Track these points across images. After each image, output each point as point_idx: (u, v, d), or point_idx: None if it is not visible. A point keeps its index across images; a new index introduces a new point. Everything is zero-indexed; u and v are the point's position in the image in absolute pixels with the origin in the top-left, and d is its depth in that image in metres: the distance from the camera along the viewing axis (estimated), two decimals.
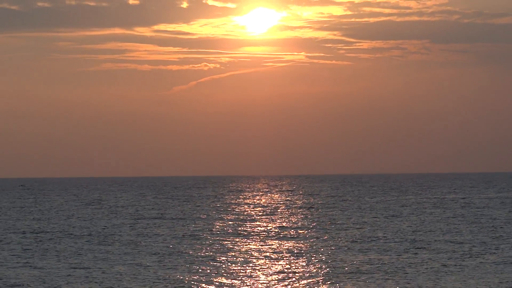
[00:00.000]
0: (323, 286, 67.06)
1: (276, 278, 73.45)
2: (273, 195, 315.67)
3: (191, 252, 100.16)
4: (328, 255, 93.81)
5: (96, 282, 72.15)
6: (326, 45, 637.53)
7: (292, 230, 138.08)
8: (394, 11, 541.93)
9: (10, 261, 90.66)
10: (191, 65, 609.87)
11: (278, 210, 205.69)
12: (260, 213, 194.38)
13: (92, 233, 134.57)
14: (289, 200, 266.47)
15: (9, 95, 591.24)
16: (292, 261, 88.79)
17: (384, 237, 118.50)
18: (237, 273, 78.82)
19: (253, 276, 76.06)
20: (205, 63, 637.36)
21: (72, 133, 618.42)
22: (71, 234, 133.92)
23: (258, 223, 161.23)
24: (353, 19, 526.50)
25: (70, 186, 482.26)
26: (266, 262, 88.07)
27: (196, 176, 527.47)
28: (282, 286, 67.76)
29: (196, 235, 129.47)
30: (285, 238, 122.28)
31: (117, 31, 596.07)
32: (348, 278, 71.95)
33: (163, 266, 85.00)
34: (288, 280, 71.42)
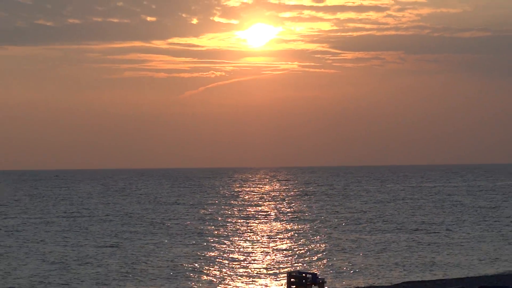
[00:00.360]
0: (321, 261, 67.62)
1: (280, 254, 74.42)
2: (272, 184, 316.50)
3: (206, 232, 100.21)
4: (324, 234, 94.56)
5: (125, 257, 73.46)
6: (316, 55, 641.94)
7: (292, 214, 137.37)
8: (374, 26, 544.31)
9: (50, 239, 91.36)
10: (200, 73, 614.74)
11: (279, 196, 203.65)
12: (263, 199, 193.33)
13: (121, 216, 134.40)
14: (287, 188, 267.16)
15: (46, 98, 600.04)
16: (293, 239, 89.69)
17: (371, 219, 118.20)
18: (246, 249, 79.66)
19: (261, 252, 77.04)
20: (212, 71, 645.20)
21: (99, 130, 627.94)
22: (102, 216, 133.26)
23: (261, 207, 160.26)
24: (339, 34, 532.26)
25: (98, 176, 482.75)
26: (271, 240, 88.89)
27: (205, 168, 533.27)
28: (286, 260, 68.39)
29: (210, 217, 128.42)
30: (286, 220, 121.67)
31: (137, 44, 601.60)
32: (342, 253, 73.19)
33: (183, 244, 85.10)
34: (291, 255, 72.60)
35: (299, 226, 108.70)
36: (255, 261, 69.79)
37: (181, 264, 68.40)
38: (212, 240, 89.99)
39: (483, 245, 79.96)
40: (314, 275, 43.49)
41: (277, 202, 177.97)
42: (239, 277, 59.93)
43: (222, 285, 56.15)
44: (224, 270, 64.54)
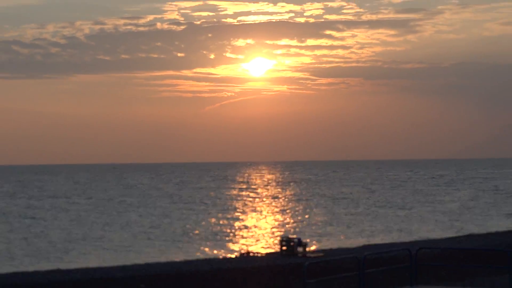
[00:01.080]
0: (306, 228, 67.89)
1: (275, 224, 74.79)
2: (270, 173, 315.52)
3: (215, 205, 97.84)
4: (310, 209, 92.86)
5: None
6: (300, 81, 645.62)
7: (284, 194, 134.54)
8: (341, 60, 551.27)
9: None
10: (216, 93, 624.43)
11: (278, 183, 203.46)
12: (263, 185, 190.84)
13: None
14: (283, 177, 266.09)
15: (105, 112, 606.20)
16: (284, 213, 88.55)
17: (347, 198, 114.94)
18: (250, 221, 78.92)
19: (260, 223, 77.36)
20: (225, 92, 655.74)
21: (144, 133, 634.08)
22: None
23: (261, 190, 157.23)
24: (316, 65, 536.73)
25: (146, 167, 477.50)
26: (268, 214, 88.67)
27: (220, 162, 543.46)
28: (279, 228, 68.51)
29: (220, 196, 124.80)
30: (280, 199, 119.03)
31: (170, 72, 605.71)
32: (323, 224, 73.34)
33: (201, 215, 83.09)
34: (283, 225, 72.65)
35: (290, 204, 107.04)
36: (256, 229, 70.51)
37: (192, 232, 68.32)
38: (220, 213, 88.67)
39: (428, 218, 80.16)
40: (299, 239, 44.94)
41: (276, 187, 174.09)
42: (243, 240, 60.57)
43: (228, 247, 56.31)
44: (230, 235, 65.04)
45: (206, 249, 55.46)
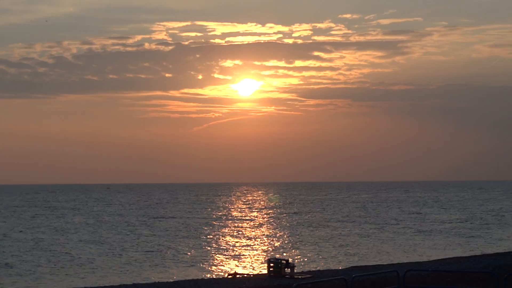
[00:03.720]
0: (293, 250, 67.83)
1: (263, 246, 74.28)
2: (255, 194, 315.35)
3: (203, 228, 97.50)
4: (296, 230, 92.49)
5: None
6: (287, 102, 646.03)
7: (270, 215, 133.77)
8: (329, 81, 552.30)
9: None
10: (204, 114, 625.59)
11: (264, 204, 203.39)
12: (250, 206, 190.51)
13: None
14: (264, 198, 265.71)
15: (93, 132, 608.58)
16: (273, 235, 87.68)
17: (336, 217, 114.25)
18: (237, 243, 78.41)
19: (248, 245, 76.16)
20: (213, 113, 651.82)
21: (132, 154, 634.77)
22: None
23: (248, 212, 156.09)
24: (304, 86, 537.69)
25: (134, 187, 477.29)
26: (256, 236, 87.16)
27: (208, 183, 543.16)
28: (268, 250, 68.43)
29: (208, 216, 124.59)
30: (267, 220, 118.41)
31: (158, 93, 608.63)
32: (309, 244, 72.83)
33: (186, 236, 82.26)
34: (271, 247, 72.30)
35: (277, 226, 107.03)
36: (245, 250, 69.96)
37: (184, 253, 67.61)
38: (208, 235, 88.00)
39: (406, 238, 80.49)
40: (287, 261, 45.04)
41: (261, 208, 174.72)
42: (231, 261, 60.36)
43: (214, 269, 56.21)
44: (217, 257, 64.64)
45: (192, 270, 55.19)
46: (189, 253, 68.00)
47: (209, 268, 57.01)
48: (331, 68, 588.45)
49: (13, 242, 79.81)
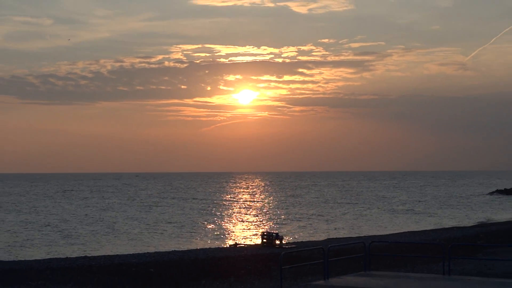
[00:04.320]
0: (282, 225, 67.02)
1: (258, 222, 73.42)
2: (254, 181, 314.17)
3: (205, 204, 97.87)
4: (285, 209, 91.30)
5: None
6: (278, 108, 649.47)
7: (270, 197, 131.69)
8: (311, 92, 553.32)
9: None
10: (212, 118, 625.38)
11: (261, 188, 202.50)
12: (249, 189, 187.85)
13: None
14: (265, 183, 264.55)
15: (122, 132, 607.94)
16: (265, 213, 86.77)
17: (319, 199, 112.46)
18: (236, 220, 78.47)
19: (245, 221, 75.88)
20: (219, 117, 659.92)
21: (153, 150, 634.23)
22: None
23: (246, 194, 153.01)
24: (291, 96, 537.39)
25: (160, 176, 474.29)
26: (252, 214, 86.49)
27: (215, 172, 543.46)
28: (261, 225, 67.62)
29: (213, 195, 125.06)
30: (261, 201, 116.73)
31: (175, 101, 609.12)
32: (295, 221, 72.60)
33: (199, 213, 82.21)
34: (264, 222, 71.61)
35: (270, 205, 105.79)
36: (244, 226, 69.67)
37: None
38: (216, 214, 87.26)
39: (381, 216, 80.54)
40: (277, 234, 44.81)
41: (257, 191, 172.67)
42: (233, 234, 60.20)
43: (220, 240, 55.97)
44: (222, 230, 64.52)
45: (203, 241, 55.17)
46: (201, 228, 67.75)
47: (216, 239, 56.69)
48: (312, 82, 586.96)
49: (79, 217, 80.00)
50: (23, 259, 39.60)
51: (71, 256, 40.70)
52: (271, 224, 70.83)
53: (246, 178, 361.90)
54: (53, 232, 62.34)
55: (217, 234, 61.28)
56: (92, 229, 65.36)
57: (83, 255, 41.14)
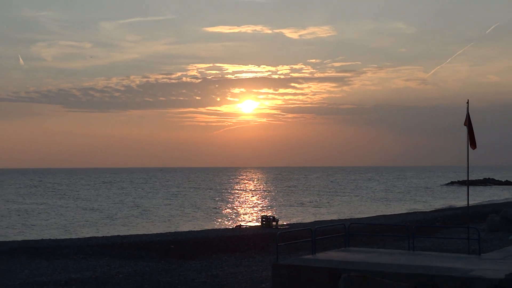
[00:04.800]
0: (279, 209, 66.21)
1: (258, 207, 72.59)
2: (256, 174, 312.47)
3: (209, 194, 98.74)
4: (281, 197, 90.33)
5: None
6: (274, 115, 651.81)
7: (266, 187, 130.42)
8: (301, 102, 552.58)
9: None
10: (221, 123, 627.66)
11: (260, 180, 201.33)
12: (250, 180, 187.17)
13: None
14: (264, 176, 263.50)
15: (148, 134, 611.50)
16: (264, 199, 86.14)
17: (311, 190, 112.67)
18: (238, 205, 78.07)
19: (246, 206, 75.59)
20: (226, 122, 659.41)
21: (172, 149, 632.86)
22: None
23: (248, 184, 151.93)
24: (284, 105, 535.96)
25: (179, 170, 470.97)
26: (253, 200, 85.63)
27: (223, 167, 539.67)
28: (261, 210, 66.27)
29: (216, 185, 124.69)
30: (263, 189, 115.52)
31: (191, 109, 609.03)
32: (287, 207, 71.81)
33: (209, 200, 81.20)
34: (263, 208, 70.37)
35: (267, 193, 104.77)
36: (247, 210, 69.04)
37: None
38: (225, 199, 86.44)
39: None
40: (273, 217, 44.89)
41: (257, 182, 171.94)
42: (238, 217, 59.58)
43: (227, 222, 55.32)
44: (229, 214, 63.95)
45: (214, 223, 55.03)
46: (213, 212, 67.37)
47: (224, 222, 56.50)
48: (302, 94, 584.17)
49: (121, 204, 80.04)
50: (69, 238, 39.86)
51: (107, 235, 40.85)
52: (269, 209, 70.25)
53: (249, 171, 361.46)
54: (95, 215, 62.42)
55: (225, 218, 60.98)
56: (125, 213, 65.34)
57: (116, 234, 41.18)
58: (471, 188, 79.86)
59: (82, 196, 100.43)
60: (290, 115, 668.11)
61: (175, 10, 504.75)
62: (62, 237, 40.48)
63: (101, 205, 77.39)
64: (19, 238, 40.62)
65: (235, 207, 75.37)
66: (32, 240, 37.87)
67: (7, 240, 38.29)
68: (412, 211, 64.11)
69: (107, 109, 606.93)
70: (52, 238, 39.75)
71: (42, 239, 38.74)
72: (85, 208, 72.85)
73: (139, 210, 69.33)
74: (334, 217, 57.99)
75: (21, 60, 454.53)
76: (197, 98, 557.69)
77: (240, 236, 35.80)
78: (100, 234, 42.96)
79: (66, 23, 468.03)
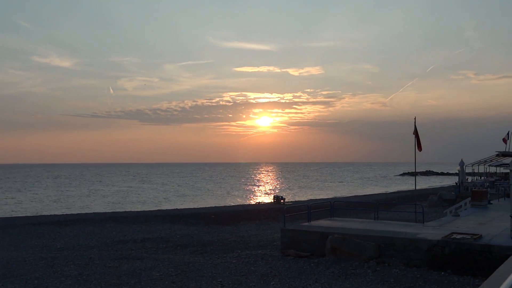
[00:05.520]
0: (287, 191, 64.52)
1: (271, 190, 71.11)
2: (272, 167, 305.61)
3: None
4: (289, 182, 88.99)
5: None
6: (282, 127, 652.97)
7: (277, 176, 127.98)
8: (300, 118, 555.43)
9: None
10: (245, 133, 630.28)
11: (275, 171, 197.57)
12: (267, 171, 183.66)
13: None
14: (277, 168, 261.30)
15: (196, 141, 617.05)
16: (278, 184, 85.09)
17: (311, 178, 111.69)
18: (254, 190, 76.96)
19: (260, 190, 73.70)
20: (249, 132, 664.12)
21: (212, 151, 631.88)
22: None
23: (266, 174, 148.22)
24: (289, 121, 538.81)
25: (218, 165, 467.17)
26: (265, 184, 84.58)
27: (246, 162, 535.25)
28: (273, 192, 64.60)
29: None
30: (274, 177, 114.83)
31: (225, 123, 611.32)
32: (291, 189, 70.45)
33: (237, 183, 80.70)
34: (275, 190, 68.81)
35: (278, 179, 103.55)
36: (264, 192, 67.62)
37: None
38: (249, 184, 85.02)
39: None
40: (281, 196, 44.79)
41: (272, 173, 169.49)
42: (258, 197, 58.25)
43: (250, 200, 53.86)
44: (251, 194, 62.73)
45: (239, 199, 54.30)
46: (241, 192, 66.31)
47: (248, 199, 55.51)
48: (301, 113, 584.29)
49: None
50: (141, 210, 39.85)
51: (168, 208, 40.89)
52: (279, 191, 69.17)
53: (265, 165, 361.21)
54: (163, 194, 61.76)
55: (249, 197, 60.18)
56: (182, 193, 64.55)
57: (162, 208, 40.98)
58: (417, 177, 79.27)
59: (154, 180, 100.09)
60: (292, 127, 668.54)
61: (215, 56, 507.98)
62: (139, 209, 40.51)
63: (166, 188, 76.71)
64: (109, 210, 40.65)
65: (256, 190, 74.29)
66: (120, 211, 38.05)
67: (103, 211, 38.53)
68: (376, 192, 63.27)
69: (169, 123, 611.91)
70: (132, 210, 39.90)
71: (125, 210, 38.98)
72: (155, 189, 72.19)
73: (193, 191, 68.66)
74: (324, 196, 57.23)
75: (111, 90, 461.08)
76: (229, 115, 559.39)
77: (258, 210, 35.82)
78: (162, 208, 42.79)
79: (141, 65, 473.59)
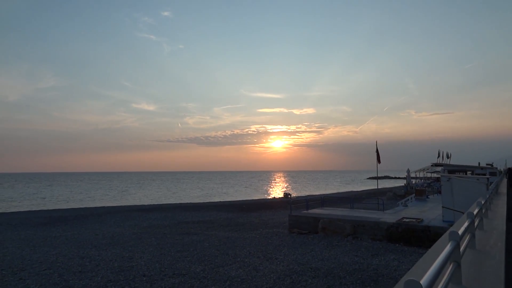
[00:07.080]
0: (293, 190, 60.97)
1: (281, 188, 66.98)
2: (282, 174, 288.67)
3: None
4: (294, 183, 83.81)
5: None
6: (289, 148, 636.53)
7: (287, 179, 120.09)
8: (301, 141, 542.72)
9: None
10: (264, 150, 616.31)
11: (285, 176, 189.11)
12: (279, 176, 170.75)
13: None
14: (287, 174, 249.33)
15: (231, 156, 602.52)
16: (288, 184, 79.69)
17: (314, 180, 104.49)
18: (265, 189, 72.49)
19: (271, 189, 69.63)
20: (268, 150, 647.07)
21: (245, 164, 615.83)
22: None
23: (279, 178, 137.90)
24: (294, 143, 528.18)
25: (245, 173, 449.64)
26: (281, 184, 78.87)
27: (263, 170, 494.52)
28: (282, 190, 61.15)
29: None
30: (286, 180, 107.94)
31: (252, 146, 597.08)
32: (298, 188, 66.36)
33: (261, 182, 75.46)
34: (283, 188, 64.91)
35: (289, 181, 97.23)
36: (277, 190, 63.70)
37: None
38: (268, 182, 79.64)
39: None
40: (289, 193, 43.91)
41: (284, 177, 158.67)
42: (272, 193, 54.99)
43: (268, 195, 50.74)
44: (269, 191, 59.24)
45: (262, 195, 51.60)
46: (262, 190, 63.04)
47: (267, 195, 52.73)
48: (301, 138, 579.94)
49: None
50: (190, 202, 38.06)
51: (205, 202, 39.72)
52: (288, 189, 66.18)
53: (279, 173, 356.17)
54: (213, 191, 58.75)
55: (268, 193, 57.54)
56: (224, 191, 60.97)
57: (211, 201, 39.64)
58: (378, 180, 76.29)
59: (202, 185, 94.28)
60: (296, 148, 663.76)
61: (246, 102, 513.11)
62: (196, 202, 39.07)
63: (208, 189, 72.65)
64: (174, 201, 38.57)
65: (272, 188, 71.57)
66: (184, 203, 36.49)
67: (165, 203, 36.42)
68: (351, 190, 61.07)
69: (216, 146, 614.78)
70: (193, 202, 38.41)
71: (183, 202, 37.51)
72: (202, 190, 68.41)
73: (230, 189, 66.11)
74: (317, 193, 54.77)
75: (179, 124, 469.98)
76: (254, 140, 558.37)
77: (274, 202, 35.04)
78: (202, 201, 40.57)
79: (198, 108, 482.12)
